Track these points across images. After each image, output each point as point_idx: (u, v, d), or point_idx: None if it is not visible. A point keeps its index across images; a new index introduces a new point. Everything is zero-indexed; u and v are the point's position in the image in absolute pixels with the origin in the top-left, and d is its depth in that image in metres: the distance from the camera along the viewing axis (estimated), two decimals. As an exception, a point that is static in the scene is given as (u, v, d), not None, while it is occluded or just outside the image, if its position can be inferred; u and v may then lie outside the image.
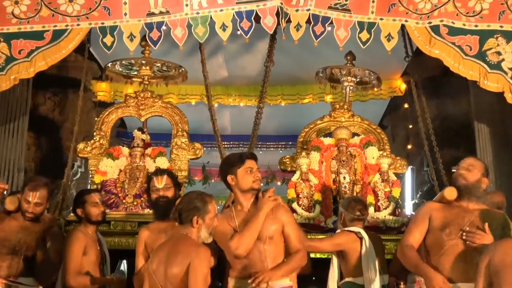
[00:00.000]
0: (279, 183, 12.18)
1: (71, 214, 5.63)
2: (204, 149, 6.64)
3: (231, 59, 9.33)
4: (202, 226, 3.82)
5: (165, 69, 7.00)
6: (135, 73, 7.04)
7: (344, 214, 5.03)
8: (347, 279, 4.81)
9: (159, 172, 4.81)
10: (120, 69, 6.99)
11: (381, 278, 4.73)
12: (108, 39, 6.26)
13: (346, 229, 4.92)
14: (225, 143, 9.12)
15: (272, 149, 11.72)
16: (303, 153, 6.29)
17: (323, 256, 5.39)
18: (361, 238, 4.81)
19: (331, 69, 6.92)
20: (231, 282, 4.19)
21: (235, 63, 9.47)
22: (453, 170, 4.53)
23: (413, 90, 7.05)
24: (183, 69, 6.98)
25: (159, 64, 6.85)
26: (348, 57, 6.78)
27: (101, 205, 5.08)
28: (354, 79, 6.88)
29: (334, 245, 4.87)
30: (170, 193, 4.68)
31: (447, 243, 4.10)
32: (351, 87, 6.91)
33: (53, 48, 6.28)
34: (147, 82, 6.81)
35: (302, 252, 4.18)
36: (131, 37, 6.27)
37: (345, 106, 6.74)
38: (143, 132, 6.45)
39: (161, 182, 4.68)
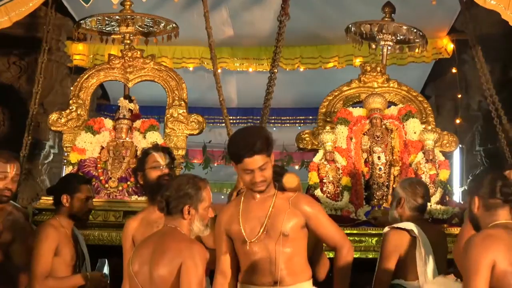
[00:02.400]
0: (297, 167, 12.20)
1: (43, 199, 5.66)
2: (205, 125, 6.64)
3: (237, 14, 9.33)
4: (194, 217, 3.78)
5: (150, 24, 7.00)
6: (115, 30, 7.05)
7: (404, 200, 4.97)
8: (396, 281, 4.79)
9: (160, 148, 4.85)
10: (96, 25, 6.98)
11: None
12: (86, -10, 6.26)
13: (395, 226, 4.87)
14: (231, 117, 9.11)
15: (288, 125, 11.76)
16: (327, 127, 6.24)
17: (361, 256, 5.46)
18: (414, 237, 4.78)
19: (360, 25, 6.81)
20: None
21: (242, 19, 9.47)
22: None
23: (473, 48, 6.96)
24: (173, 24, 6.97)
25: (144, 19, 6.84)
26: (386, 9, 6.74)
27: (92, 203, 5.08)
28: (393, 38, 6.83)
29: (392, 259, 4.83)
30: (173, 172, 4.73)
31: None
32: (389, 47, 6.87)
33: (17, 0, 6.26)
34: (128, 42, 6.82)
35: (346, 246, 4.12)
36: (115, -13, 6.27)
37: (378, 68, 6.71)
38: (130, 101, 6.43)
39: (164, 159, 4.70)
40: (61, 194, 4.93)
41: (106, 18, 6.82)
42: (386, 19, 6.75)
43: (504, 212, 3.69)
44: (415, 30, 6.83)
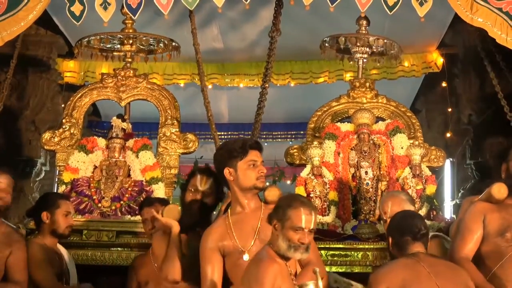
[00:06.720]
0: (288, 182, 12.17)
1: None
2: (198, 143, 6.68)
3: (228, 30, 9.40)
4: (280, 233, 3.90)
5: (151, 43, 7.06)
6: (114, 48, 7.12)
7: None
8: None
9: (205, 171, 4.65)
10: (98, 44, 7.04)
11: None
12: (76, 8, 6.31)
13: None
14: (221, 133, 9.19)
15: (279, 140, 11.77)
16: (315, 142, 6.33)
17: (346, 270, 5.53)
18: None
19: (335, 38, 6.88)
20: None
21: (232, 35, 9.54)
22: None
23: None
24: (175, 43, 7.02)
25: (145, 38, 6.91)
26: (361, 22, 6.76)
27: (72, 218, 5.15)
28: (367, 50, 6.85)
29: None
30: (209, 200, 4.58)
31: (509, 250, 4.21)
32: (364, 60, 6.90)
33: (9, 20, 6.33)
34: (129, 60, 6.87)
35: (320, 267, 4.17)
36: (105, 4, 6.31)
37: (367, 84, 6.76)
38: (123, 120, 6.50)
39: (203, 184, 4.57)
40: (41, 211, 5.04)
41: (109, 37, 6.87)
42: (361, 31, 6.77)
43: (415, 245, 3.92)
44: (389, 42, 6.84)
